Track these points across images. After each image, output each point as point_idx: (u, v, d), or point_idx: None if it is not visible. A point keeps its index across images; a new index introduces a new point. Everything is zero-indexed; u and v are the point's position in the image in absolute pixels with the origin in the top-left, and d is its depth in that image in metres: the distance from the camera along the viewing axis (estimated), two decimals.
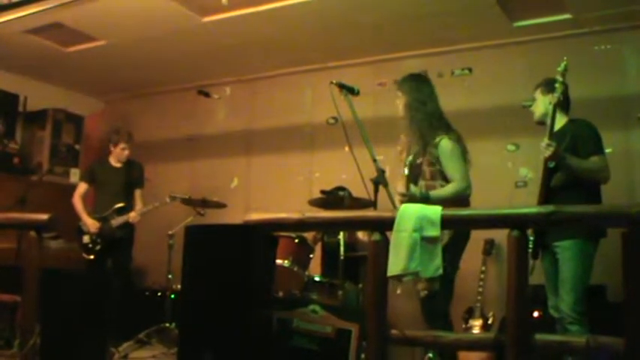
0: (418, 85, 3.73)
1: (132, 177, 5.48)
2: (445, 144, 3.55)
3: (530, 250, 3.34)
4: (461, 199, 3.49)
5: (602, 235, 3.33)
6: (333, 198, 4.75)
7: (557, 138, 3.33)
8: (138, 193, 5.52)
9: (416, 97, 3.66)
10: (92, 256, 5.24)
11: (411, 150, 3.70)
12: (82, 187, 5.48)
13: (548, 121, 3.36)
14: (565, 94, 3.46)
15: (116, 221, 5.26)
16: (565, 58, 3.29)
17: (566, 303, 3.23)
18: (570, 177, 3.34)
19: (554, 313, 3.41)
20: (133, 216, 5.29)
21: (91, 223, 5.23)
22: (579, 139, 3.40)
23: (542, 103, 3.58)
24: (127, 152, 5.41)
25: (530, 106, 3.75)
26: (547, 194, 3.34)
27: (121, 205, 5.34)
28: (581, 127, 3.45)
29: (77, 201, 5.38)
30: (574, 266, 3.27)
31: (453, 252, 3.36)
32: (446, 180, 3.56)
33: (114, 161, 5.46)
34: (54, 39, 5.55)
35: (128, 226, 5.35)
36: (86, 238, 5.25)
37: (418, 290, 3.43)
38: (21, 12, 4.77)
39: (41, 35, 5.44)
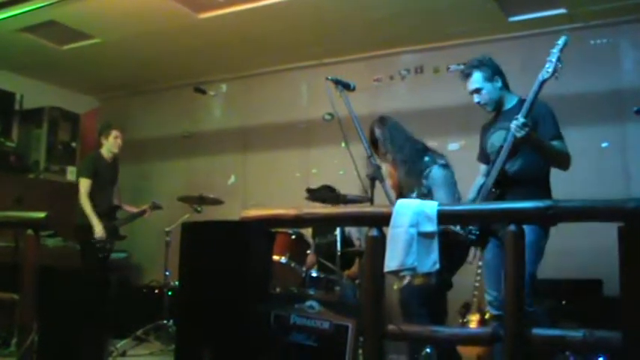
0: (396, 125, 3.70)
1: (117, 172, 5.46)
2: (436, 173, 3.51)
3: (474, 238, 3.13)
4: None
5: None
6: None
7: (511, 118, 3.02)
8: (117, 188, 5.47)
9: (398, 135, 3.63)
10: (105, 255, 5.13)
11: (401, 184, 3.61)
12: (88, 184, 5.16)
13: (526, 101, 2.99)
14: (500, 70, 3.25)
15: (119, 222, 5.24)
16: (566, 32, 2.96)
17: None
18: (526, 163, 3.08)
19: (494, 310, 3.17)
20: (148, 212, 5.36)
21: (99, 230, 5.03)
22: (540, 121, 3.04)
23: (491, 90, 3.30)
24: (119, 141, 5.29)
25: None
26: (502, 178, 3.07)
27: (116, 204, 5.35)
28: (540, 108, 3.06)
29: (87, 202, 5.09)
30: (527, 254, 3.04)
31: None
32: None
33: (106, 155, 5.32)
34: (49, 37, 5.54)
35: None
36: (99, 238, 5.07)
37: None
38: (15, 10, 4.76)
39: (36, 33, 5.42)
